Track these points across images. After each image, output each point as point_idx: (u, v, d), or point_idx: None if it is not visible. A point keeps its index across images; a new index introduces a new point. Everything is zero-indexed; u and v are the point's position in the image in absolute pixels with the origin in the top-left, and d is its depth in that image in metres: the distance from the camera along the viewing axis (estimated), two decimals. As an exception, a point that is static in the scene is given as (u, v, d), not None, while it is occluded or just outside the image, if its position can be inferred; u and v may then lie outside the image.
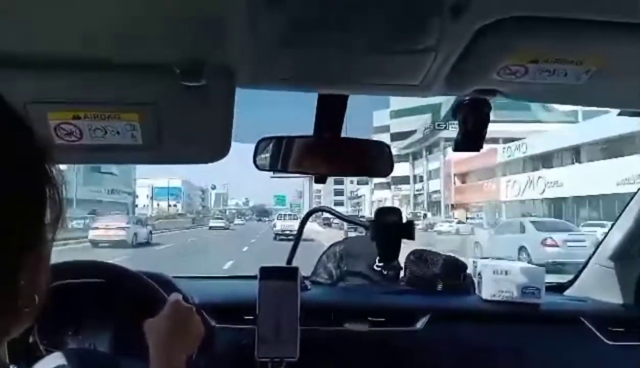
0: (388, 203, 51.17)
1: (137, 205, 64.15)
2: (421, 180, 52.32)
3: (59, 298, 1.15)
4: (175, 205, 73.85)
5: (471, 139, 1.10)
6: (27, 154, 0.48)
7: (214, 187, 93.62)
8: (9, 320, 0.48)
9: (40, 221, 0.49)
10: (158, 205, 69.13)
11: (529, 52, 0.80)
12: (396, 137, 52.57)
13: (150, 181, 68.00)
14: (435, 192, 46.88)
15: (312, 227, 24.36)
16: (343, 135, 1.25)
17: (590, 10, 0.72)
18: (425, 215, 39.44)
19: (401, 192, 54.98)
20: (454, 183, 41.44)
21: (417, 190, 53.49)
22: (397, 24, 0.77)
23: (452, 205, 41.99)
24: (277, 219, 29.39)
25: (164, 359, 0.96)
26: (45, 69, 0.86)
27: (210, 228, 35.00)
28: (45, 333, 1.26)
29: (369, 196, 60.24)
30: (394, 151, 1.12)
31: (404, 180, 53.59)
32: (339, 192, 68.55)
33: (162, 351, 0.97)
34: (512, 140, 32.98)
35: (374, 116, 63.02)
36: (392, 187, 54.23)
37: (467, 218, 35.51)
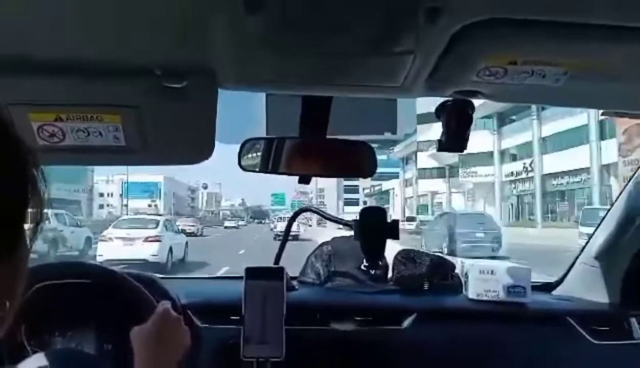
0: (443, 200, 41.16)
1: (102, 205, 56.76)
2: (515, 158, 33.37)
3: (45, 298, 1.16)
4: (155, 205, 61.53)
5: (455, 139, 1.11)
6: (10, 156, 0.48)
7: (205, 186, 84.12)
8: None
9: (19, 227, 0.49)
10: (126, 205, 53.62)
11: (508, 54, 0.81)
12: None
13: (122, 176, 55.89)
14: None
15: (315, 228, 24.41)
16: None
17: (567, 12, 0.73)
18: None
19: (475, 178, 36.52)
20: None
21: (513, 174, 33.48)
22: (375, 26, 0.78)
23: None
24: (277, 221, 30.49)
25: (149, 367, 0.97)
26: (27, 71, 0.86)
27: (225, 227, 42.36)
28: (33, 333, 1.26)
29: (400, 190, 48.56)
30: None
31: (480, 159, 34.06)
32: (350, 189, 58.64)
33: (147, 360, 0.98)
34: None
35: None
36: (460, 171, 36.84)
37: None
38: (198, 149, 1.08)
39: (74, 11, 0.74)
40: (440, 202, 42.51)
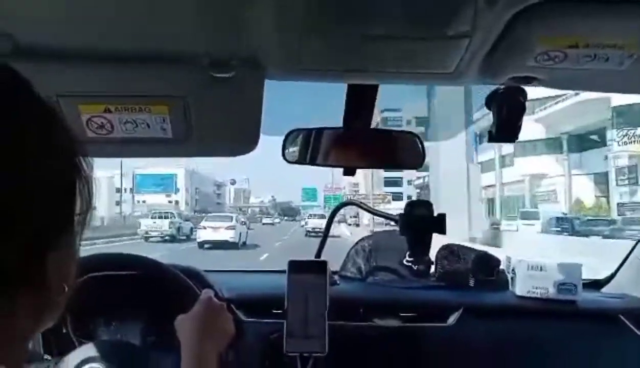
0: (558, 187, 26.92)
1: (118, 202, 47.74)
2: None
3: (91, 290, 1.17)
4: (175, 201, 54.40)
5: (507, 129, 1.07)
6: (60, 147, 0.48)
7: (233, 182, 77.94)
8: (41, 310, 0.49)
9: (70, 215, 0.49)
10: (144, 201, 50.19)
11: (568, 36, 0.77)
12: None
13: (136, 169, 52.38)
14: None
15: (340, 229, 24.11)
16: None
17: None
18: None
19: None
20: None
21: None
22: (428, 9, 0.75)
23: None
24: (309, 218, 30.43)
25: (195, 356, 0.97)
26: (76, 62, 0.87)
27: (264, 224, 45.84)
28: (78, 324, 1.28)
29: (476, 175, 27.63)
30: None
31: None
32: (391, 182, 48.64)
33: (193, 348, 0.98)
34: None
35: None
36: (615, 135, 22.14)
37: None
38: (243, 140, 1.08)
39: (122, 2, 0.74)
40: (552, 192, 27.93)
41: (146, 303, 1.31)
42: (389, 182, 49.25)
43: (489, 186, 32.20)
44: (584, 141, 26.12)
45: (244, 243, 20.65)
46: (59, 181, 0.47)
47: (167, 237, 23.04)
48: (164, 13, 0.77)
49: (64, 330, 1.27)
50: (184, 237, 24.01)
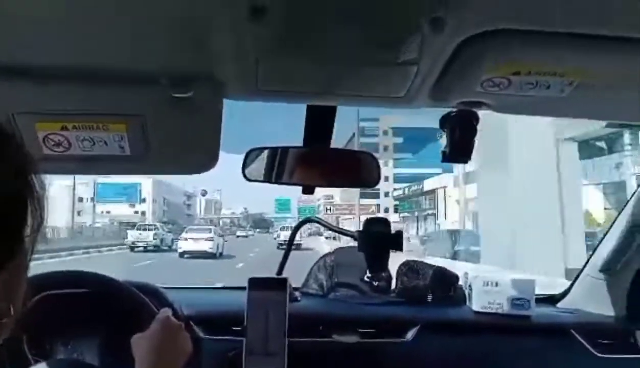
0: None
1: (80, 212, 44.18)
2: None
3: (47, 308, 1.16)
4: (141, 212, 51.14)
5: (460, 149, 1.11)
6: (11, 164, 0.48)
7: (204, 193, 74.78)
8: None
9: (20, 233, 0.49)
10: (109, 211, 47.88)
11: (511, 64, 0.81)
12: None
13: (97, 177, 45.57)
14: None
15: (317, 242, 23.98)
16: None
17: (570, 23, 0.73)
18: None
19: None
20: None
21: None
22: (378, 37, 0.78)
23: None
24: (281, 230, 31.22)
25: None
26: (33, 80, 0.86)
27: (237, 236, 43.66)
28: (34, 343, 1.25)
29: (455, 191, 28.75)
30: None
31: None
32: (367, 194, 39.42)
33: (148, 367, 0.97)
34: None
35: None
36: None
37: None
38: (202, 158, 1.08)
39: (80, 19, 0.74)
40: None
41: (103, 321, 1.29)
42: (364, 195, 41.38)
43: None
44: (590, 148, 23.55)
45: (221, 253, 22.12)
46: (8, 200, 0.47)
47: (150, 248, 24.88)
48: (123, 32, 0.78)
49: (20, 349, 1.24)
50: (166, 248, 25.84)
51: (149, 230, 27.14)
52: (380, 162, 1.32)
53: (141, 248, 24.54)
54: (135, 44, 0.82)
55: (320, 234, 28.05)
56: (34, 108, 0.91)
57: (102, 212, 50.50)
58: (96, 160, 1.01)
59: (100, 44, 0.81)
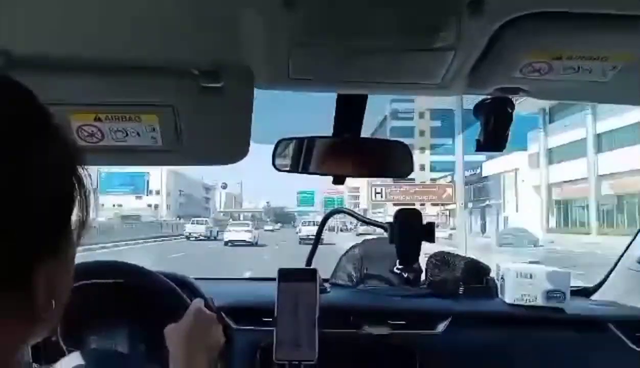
0: None
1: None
2: None
3: (81, 298, 1.17)
4: (155, 205, 49.83)
5: (494, 138, 1.08)
6: (59, 155, 0.47)
7: (224, 186, 72.44)
8: (25, 326, 0.47)
9: (66, 224, 0.48)
10: (121, 204, 46.27)
11: (552, 48, 0.79)
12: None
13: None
14: None
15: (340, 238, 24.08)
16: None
17: (613, 4, 0.70)
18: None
19: None
20: None
21: None
22: (414, 22, 0.76)
23: None
24: (302, 225, 32.28)
25: (184, 366, 0.97)
26: (67, 72, 0.87)
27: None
28: (68, 332, 1.27)
29: (533, 174, 22.96)
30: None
31: None
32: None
33: (182, 358, 0.98)
34: None
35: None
36: None
37: None
38: (233, 148, 1.08)
39: (112, 11, 0.75)
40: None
41: (136, 311, 1.30)
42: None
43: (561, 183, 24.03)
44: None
45: (257, 242, 27.65)
46: (55, 192, 0.46)
47: (202, 237, 32.67)
48: (154, 23, 0.78)
49: (54, 339, 1.26)
50: (213, 238, 32.74)
51: (201, 224, 35.03)
52: (416, 150, 1.27)
53: (193, 238, 32.24)
54: (165, 35, 0.82)
55: (342, 229, 28.01)
56: (68, 99, 0.92)
57: (114, 206, 48.74)
58: (129, 151, 1.02)
59: (131, 35, 0.81)
